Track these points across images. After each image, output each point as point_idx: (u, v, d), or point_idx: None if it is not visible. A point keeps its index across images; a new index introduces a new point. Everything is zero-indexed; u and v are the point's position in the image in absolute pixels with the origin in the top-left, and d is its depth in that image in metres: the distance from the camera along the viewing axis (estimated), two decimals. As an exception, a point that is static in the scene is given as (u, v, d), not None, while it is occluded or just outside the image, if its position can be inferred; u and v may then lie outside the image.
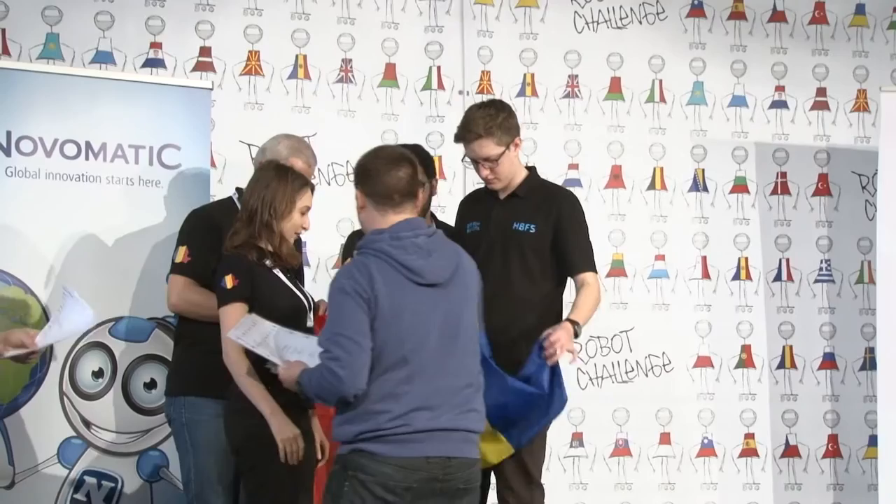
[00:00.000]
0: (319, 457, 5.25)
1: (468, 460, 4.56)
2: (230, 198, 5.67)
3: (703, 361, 7.53)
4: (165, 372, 5.79)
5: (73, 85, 5.94)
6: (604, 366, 7.39)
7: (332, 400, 4.48)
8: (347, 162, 6.97)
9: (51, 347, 5.55)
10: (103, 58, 6.67)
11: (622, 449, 7.40)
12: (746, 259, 7.63)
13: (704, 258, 7.58)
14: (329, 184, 6.97)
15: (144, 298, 5.87)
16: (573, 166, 7.42)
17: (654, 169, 7.55)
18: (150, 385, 5.91)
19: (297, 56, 7.02)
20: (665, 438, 7.46)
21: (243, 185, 5.61)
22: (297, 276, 5.31)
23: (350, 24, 7.11)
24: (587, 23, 7.49)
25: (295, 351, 4.76)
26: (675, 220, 7.55)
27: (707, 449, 7.51)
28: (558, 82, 7.44)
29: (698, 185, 7.61)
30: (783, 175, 7.71)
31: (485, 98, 7.14)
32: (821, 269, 7.70)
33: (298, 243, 5.46)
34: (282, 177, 5.13)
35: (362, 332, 4.40)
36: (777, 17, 7.75)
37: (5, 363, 5.36)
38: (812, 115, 7.75)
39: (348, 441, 4.48)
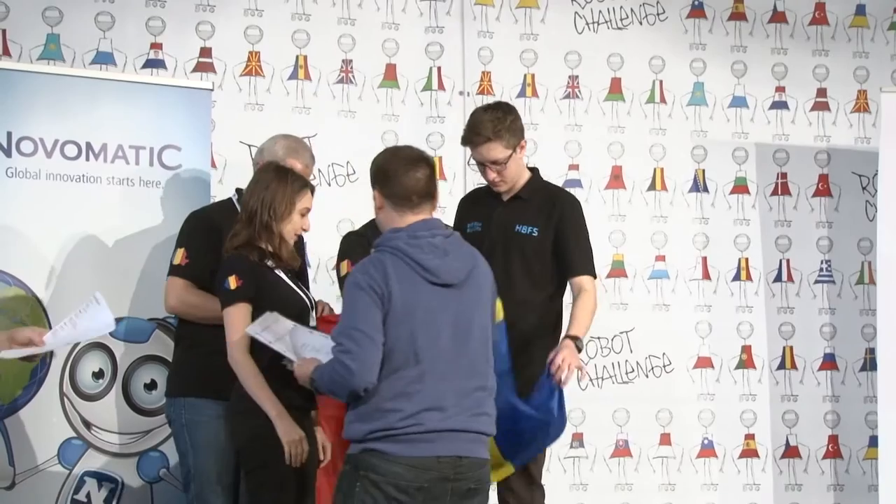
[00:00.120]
0: (322, 458, 5.26)
1: (479, 460, 4.58)
2: (230, 199, 5.67)
3: (704, 362, 7.53)
4: (166, 373, 5.79)
5: (74, 86, 5.94)
6: (604, 366, 7.39)
7: (343, 394, 4.50)
8: (348, 162, 6.98)
9: (51, 348, 5.54)
10: (104, 58, 6.67)
11: (622, 449, 7.40)
12: (747, 260, 7.63)
13: (705, 259, 7.58)
14: (329, 184, 6.97)
15: (145, 299, 5.87)
16: (573, 167, 7.42)
17: (655, 169, 7.55)
18: (151, 386, 5.91)
19: (297, 57, 7.02)
20: (665, 439, 7.46)
21: (244, 186, 5.61)
22: (299, 276, 5.31)
23: (350, 24, 7.11)
24: (587, 23, 7.49)
25: (312, 349, 4.77)
26: (676, 221, 7.55)
27: (707, 450, 7.51)
28: (559, 83, 7.44)
29: (699, 185, 7.61)
30: (783, 176, 7.71)
31: (485, 99, 7.16)
32: (821, 269, 7.70)
33: (301, 244, 5.46)
34: (281, 178, 5.13)
35: (375, 327, 4.42)
36: (777, 17, 7.75)
37: (6, 364, 5.37)
38: (812, 115, 7.75)
39: (359, 440, 4.49)
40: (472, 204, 5.78)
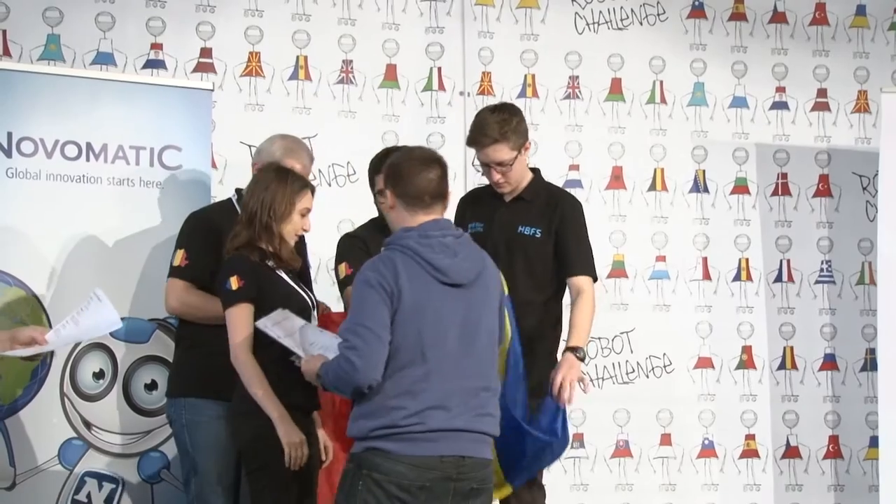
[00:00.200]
0: (323, 458, 5.26)
1: (482, 460, 4.59)
2: (229, 199, 5.67)
3: (704, 362, 7.53)
4: (166, 373, 5.79)
5: (74, 86, 5.94)
6: (604, 367, 7.39)
7: (348, 390, 4.51)
8: (348, 163, 6.98)
9: (51, 348, 5.54)
10: (104, 59, 6.67)
11: (623, 450, 7.40)
12: (747, 260, 7.63)
13: (705, 259, 7.58)
14: (330, 185, 6.97)
15: (145, 299, 5.87)
16: (574, 167, 7.42)
17: (655, 170, 7.55)
18: (151, 386, 5.90)
19: (297, 57, 7.02)
20: (666, 439, 7.46)
21: (244, 187, 5.62)
22: (300, 277, 5.31)
23: (351, 25, 7.11)
24: (588, 24, 7.49)
25: (321, 347, 4.78)
26: (676, 221, 7.55)
27: (708, 450, 7.51)
28: (559, 83, 7.44)
29: (699, 186, 7.61)
30: (784, 176, 7.71)
31: (486, 99, 7.16)
32: (821, 270, 7.70)
33: (302, 245, 5.46)
34: (281, 179, 5.13)
35: (382, 325, 4.44)
36: (778, 17, 7.75)
37: (6, 364, 5.37)
38: (813, 116, 7.75)
39: (362, 437, 4.50)
40: (473, 204, 5.77)
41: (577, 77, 7.46)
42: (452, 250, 4.57)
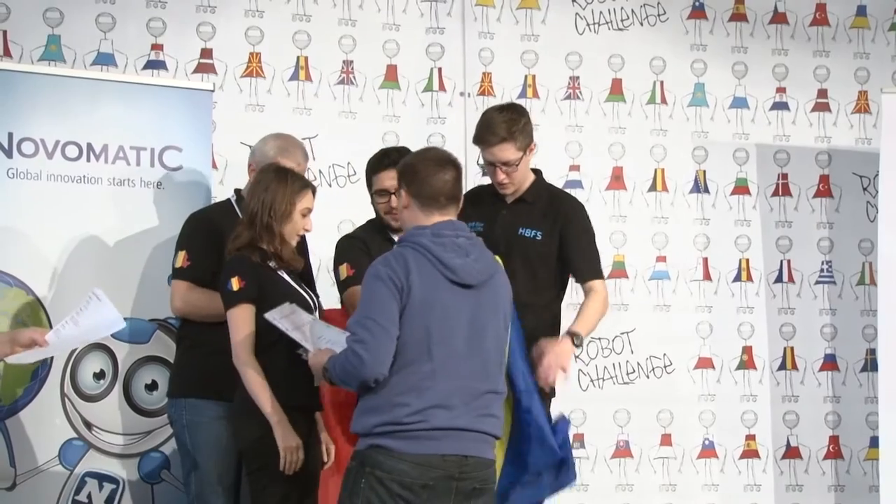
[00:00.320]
0: (325, 459, 5.26)
1: (484, 460, 4.60)
2: (228, 200, 5.68)
3: (704, 363, 7.54)
4: (167, 373, 5.80)
5: (75, 87, 5.94)
6: (605, 367, 7.39)
7: (354, 383, 4.52)
8: (349, 163, 6.98)
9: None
10: (104, 59, 6.67)
11: (623, 450, 7.40)
12: (747, 260, 7.63)
13: (705, 259, 7.58)
14: (330, 185, 6.97)
15: (146, 300, 5.87)
16: (574, 168, 7.42)
17: (656, 170, 7.55)
18: (152, 387, 5.91)
19: (298, 58, 7.03)
20: (666, 440, 7.46)
21: (243, 187, 5.63)
22: (302, 277, 5.31)
23: (351, 25, 7.11)
24: (588, 24, 7.49)
25: (328, 342, 4.79)
26: (676, 222, 7.55)
27: (708, 450, 7.51)
28: (559, 84, 7.44)
29: (699, 186, 7.61)
30: (784, 176, 7.71)
31: (486, 99, 7.17)
32: (822, 270, 7.70)
33: (303, 245, 5.46)
34: (281, 179, 5.13)
35: (391, 319, 4.46)
36: (778, 18, 7.75)
37: (7, 364, 5.37)
38: (813, 116, 7.75)
39: (366, 433, 4.51)
40: (473, 203, 5.75)
41: (578, 77, 7.47)
42: (465, 251, 4.59)
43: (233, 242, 5.14)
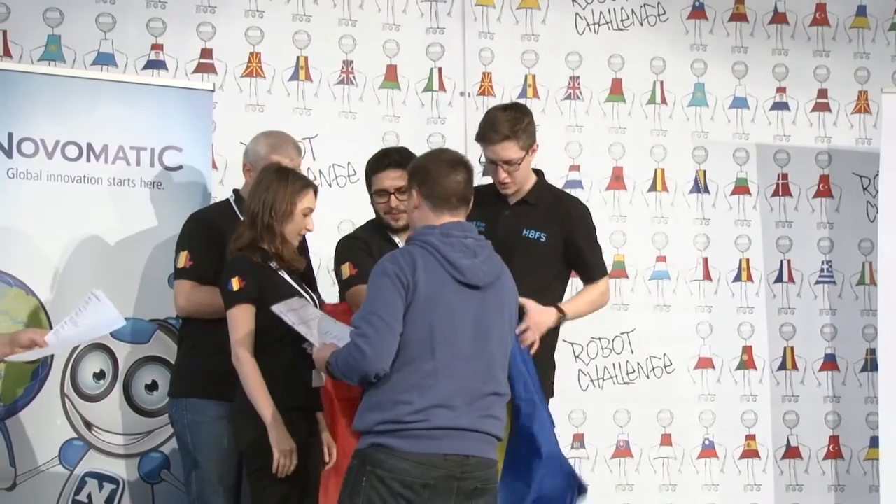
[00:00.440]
0: (327, 459, 5.26)
1: (486, 460, 4.60)
2: (227, 200, 5.68)
3: (704, 363, 7.54)
4: (167, 374, 5.80)
5: (75, 87, 5.94)
6: (605, 367, 7.39)
7: (356, 378, 4.54)
8: (349, 163, 6.98)
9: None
10: (104, 59, 6.67)
11: (623, 450, 7.40)
12: (747, 260, 7.63)
13: (705, 259, 7.58)
14: (330, 185, 6.97)
15: (146, 300, 5.87)
16: (574, 168, 7.42)
17: (656, 170, 7.55)
18: (152, 387, 5.91)
19: (298, 58, 7.03)
20: (666, 440, 7.46)
21: (241, 187, 5.63)
22: (303, 277, 5.31)
23: (351, 25, 7.11)
24: (588, 24, 7.49)
25: (334, 337, 4.80)
26: (677, 222, 7.55)
27: (708, 450, 7.51)
28: (559, 84, 7.44)
29: (699, 186, 7.61)
30: (784, 176, 7.71)
31: (486, 100, 7.17)
32: (822, 270, 7.70)
33: (303, 245, 5.46)
34: (282, 178, 5.13)
35: (395, 316, 4.48)
36: (778, 18, 7.75)
37: (7, 364, 5.37)
38: (813, 116, 7.75)
39: (367, 431, 4.51)
40: (474, 202, 5.75)
41: (578, 77, 7.47)
42: (472, 251, 4.62)
43: (234, 242, 5.14)
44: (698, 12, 7.64)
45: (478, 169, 6.57)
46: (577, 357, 7.27)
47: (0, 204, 5.73)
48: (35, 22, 6.56)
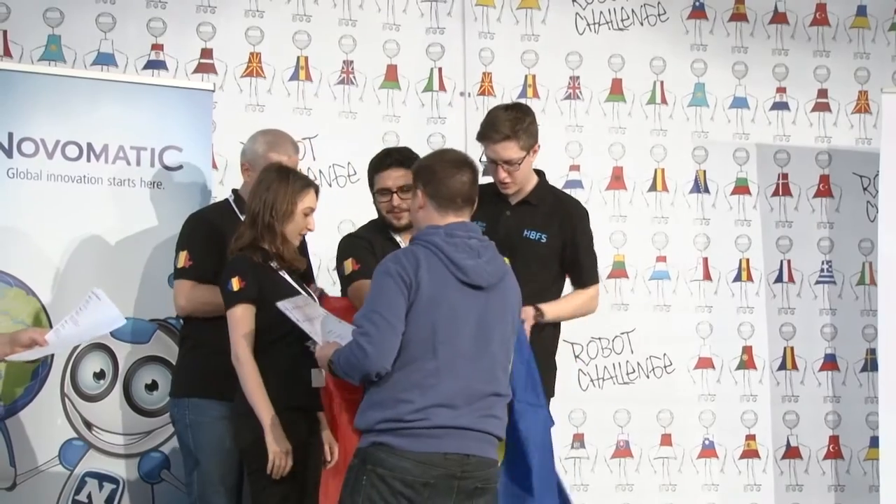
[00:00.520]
0: (328, 458, 5.26)
1: (486, 460, 4.61)
2: (226, 200, 5.69)
3: (704, 363, 7.53)
4: (167, 373, 5.81)
5: (75, 86, 5.94)
6: (605, 367, 7.39)
7: (357, 376, 4.54)
8: (349, 163, 6.98)
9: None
10: (105, 59, 6.67)
11: (623, 450, 7.40)
12: (748, 260, 7.63)
13: (705, 259, 7.58)
14: (330, 185, 6.97)
15: (146, 300, 5.87)
16: (574, 168, 7.42)
17: (656, 170, 7.55)
18: (152, 386, 5.91)
19: (298, 58, 7.03)
20: (666, 440, 7.46)
21: (240, 187, 5.63)
22: (304, 278, 5.31)
23: (351, 25, 7.11)
24: (588, 24, 7.49)
25: (338, 336, 4.80)
26: (677, 222, 7.55)
27: (708, 450, 7.51)
28: (559, 84, 7.44)
29: (699, 186, 7.61)
30: (784, 176, 7.71)
31: (486, 100, 7.17)
32: (822, 270, 7.70)
33: (303, 245, 5.46)
34: (282, 178, 5.13)
35: (397, 315, 4.49)
36: (778, 18, 7.75)
37: (7, 364, 5.37)
38: (813, 116, 7.75)
39: (368, 430, 4.52)
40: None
41: (578, 77, 7.46)
42: (476, 252, 4.62)
43: (235, 242, 5.14)
44: (698, 12, 7.64)
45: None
46: (577, 357, 7.27)
47: (0, 204, 5.73)
48: (35, 22, 6.56)
